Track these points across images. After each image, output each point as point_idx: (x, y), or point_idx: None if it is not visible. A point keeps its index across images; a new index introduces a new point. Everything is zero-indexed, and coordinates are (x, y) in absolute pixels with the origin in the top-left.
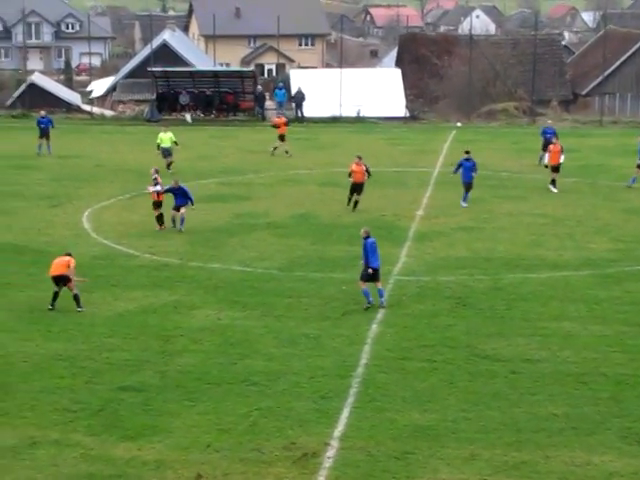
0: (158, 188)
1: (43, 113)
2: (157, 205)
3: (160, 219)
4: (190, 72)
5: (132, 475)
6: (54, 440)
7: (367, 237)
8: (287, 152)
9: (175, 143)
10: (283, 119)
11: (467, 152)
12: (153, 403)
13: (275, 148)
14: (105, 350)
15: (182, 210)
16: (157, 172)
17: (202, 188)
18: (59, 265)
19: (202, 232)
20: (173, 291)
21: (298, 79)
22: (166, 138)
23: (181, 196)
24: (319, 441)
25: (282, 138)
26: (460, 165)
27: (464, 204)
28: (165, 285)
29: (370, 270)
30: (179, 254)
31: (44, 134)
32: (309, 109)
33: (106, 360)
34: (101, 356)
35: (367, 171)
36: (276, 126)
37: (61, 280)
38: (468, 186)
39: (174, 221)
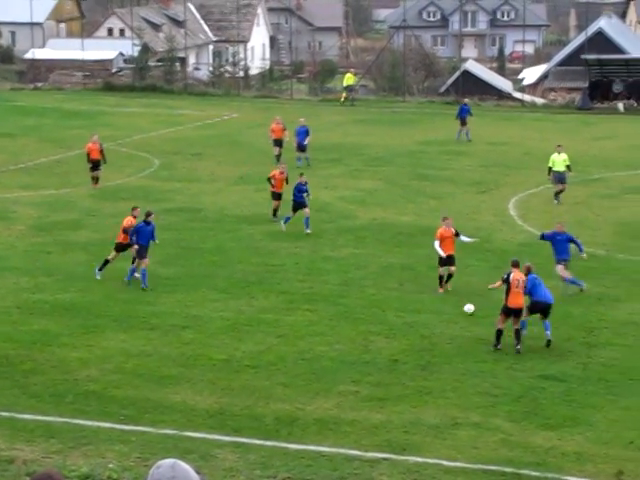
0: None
1: (466, 101)
2: None
3: None
4: (625, 60)
5: (552, 464)
6: (475, 423)
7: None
8: None
9: (568, 168)
10: None
11: None
12: (574, 394)
13: None
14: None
15: None
16: None
17: (632, 179)
18: None
19: (630, 224)
20: (598, 282)
21: None
22: (559, 161)
23: None
24: None
25: None
26: None
27: None
28: (590, 276)
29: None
30: (605, 245)
31: (463, 122)
32: None
33: (528, 348)
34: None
35: None
36: None
37: None
38: None
39: None
